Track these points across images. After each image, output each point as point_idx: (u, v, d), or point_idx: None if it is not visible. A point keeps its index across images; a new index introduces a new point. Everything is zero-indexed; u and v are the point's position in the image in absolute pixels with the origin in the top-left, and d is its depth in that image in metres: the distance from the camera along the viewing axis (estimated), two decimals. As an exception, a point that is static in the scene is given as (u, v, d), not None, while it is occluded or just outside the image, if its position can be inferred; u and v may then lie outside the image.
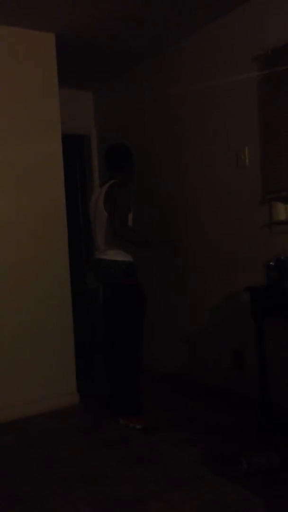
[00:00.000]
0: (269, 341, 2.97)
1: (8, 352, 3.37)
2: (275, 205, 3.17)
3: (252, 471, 2.38)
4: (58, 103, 3.60)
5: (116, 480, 2.44)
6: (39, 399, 3.45)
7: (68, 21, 3.39)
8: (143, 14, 3.32)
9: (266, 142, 3.18)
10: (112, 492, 2.32)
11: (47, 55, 3.57)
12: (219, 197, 3.55)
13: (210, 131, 3.61)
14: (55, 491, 2.37)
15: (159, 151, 4.13)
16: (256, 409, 2.98)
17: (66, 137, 3.83)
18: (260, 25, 3.15)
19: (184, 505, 2.17)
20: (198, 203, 3.76)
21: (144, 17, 3.37)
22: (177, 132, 3.94)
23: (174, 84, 3.92)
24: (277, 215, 3.17)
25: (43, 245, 3.52)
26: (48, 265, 3.53)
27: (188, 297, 3.89)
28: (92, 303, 4.76)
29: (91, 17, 3.33)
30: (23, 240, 3.46)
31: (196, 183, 3.77)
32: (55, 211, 3.58)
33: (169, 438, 2.87)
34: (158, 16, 3.39)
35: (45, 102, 3.56)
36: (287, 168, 3.05)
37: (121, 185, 3.12)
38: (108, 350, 3.29)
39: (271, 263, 2.91)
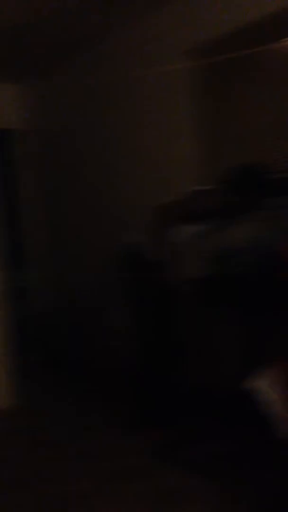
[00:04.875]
0: (214, 331, 3.02)
1: None
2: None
3: (198, 459, 2.42)
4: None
5: (59, 479, 2.39)
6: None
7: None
8: (74, 6, 3.24)
9: (201, 136, 3.23)
10: (55, 490, 2.27)
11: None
12: (156, 190, 3.56)
13: (144, 125, 3.61)
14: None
15: (90, 145, 4.07)
16: (203, 399, 3.03)
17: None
18: (192, 19, 3.19)
19: (128, 497, 2.17)
20: (134, 197, 3.74)
21: (75, 9, 3.29)
22: (109, 127, 3.90)
23: (106, 78, 3.87)
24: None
25: None
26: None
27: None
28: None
29: (19, 8, 3.20)
30: None
31: (132, 177, 3.76)
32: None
33: (113, 432, 2.85)
34: (90, 9, 3.32)
35: None
36: (224, 158, 3.10)
37: None
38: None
39: (214, 254, 2.96)
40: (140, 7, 3.33)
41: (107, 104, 3.89)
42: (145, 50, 3.52)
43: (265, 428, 1.88)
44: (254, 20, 2.86)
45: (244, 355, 3.08)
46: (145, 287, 2.71)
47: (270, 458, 2.26)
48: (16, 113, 4.67)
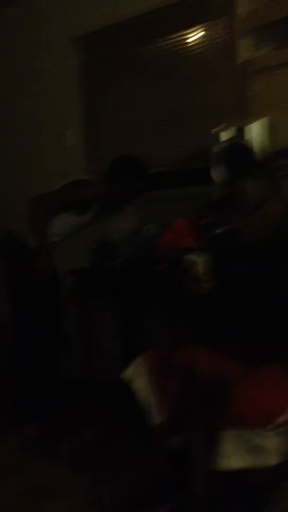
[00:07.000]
0: (94, 322, 3.02)
1: None
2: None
3: (74, 450, 2.41)
4: None
5: None
6: None
7: None
8: None
9: (88, 124, 3.20)
10: None
11: None
12: (41, 180, 3.47)
13: (30, 112, 3.51)
14: None
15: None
16: (79, 390, 3.00)
17: None
18: (80, 6, 3.14)
19: (1, 495, 2.10)
20: (18, 187, 3.62)
21: None
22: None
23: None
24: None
25: None
26: None
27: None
28: None
29: None
30: None
31: (16, 166, 3.64)
32: None
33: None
34: None
35: None
36: (108, 149, 3.10)
37: None
38: None
39: (93, 246, 2.95)
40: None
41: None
42: (33, 34, 3.42)
43: (140, 416, 1.89)
44: (142, 13, 2.89)
45: (124, 345, 3.12)
46: (24, 277, 2.63)
47: (145, 447, 2.29)
48: None
